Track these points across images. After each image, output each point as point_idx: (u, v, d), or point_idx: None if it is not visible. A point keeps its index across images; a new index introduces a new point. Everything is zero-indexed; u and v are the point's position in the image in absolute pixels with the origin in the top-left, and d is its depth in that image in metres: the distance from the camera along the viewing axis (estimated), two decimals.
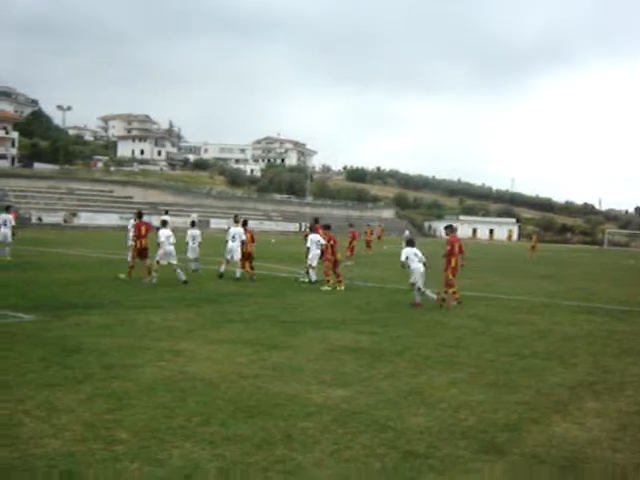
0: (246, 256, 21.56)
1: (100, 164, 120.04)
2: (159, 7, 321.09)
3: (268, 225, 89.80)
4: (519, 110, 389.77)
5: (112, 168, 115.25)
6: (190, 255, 22.96)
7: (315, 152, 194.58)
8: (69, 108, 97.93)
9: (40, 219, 67.19)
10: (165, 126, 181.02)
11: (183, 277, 19.13)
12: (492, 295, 20.29)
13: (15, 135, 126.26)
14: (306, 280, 21.33)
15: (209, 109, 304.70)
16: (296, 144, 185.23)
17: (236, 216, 23.83)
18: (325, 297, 17.63)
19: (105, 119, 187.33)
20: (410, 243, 17.60)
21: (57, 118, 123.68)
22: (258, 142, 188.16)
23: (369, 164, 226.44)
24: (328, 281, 20.03)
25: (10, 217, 25.89)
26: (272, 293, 17.56)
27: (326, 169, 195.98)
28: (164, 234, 19.42)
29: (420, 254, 17.10)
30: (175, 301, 15.33)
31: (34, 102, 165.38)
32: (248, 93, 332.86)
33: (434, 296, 16.89)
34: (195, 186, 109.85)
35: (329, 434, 6.24)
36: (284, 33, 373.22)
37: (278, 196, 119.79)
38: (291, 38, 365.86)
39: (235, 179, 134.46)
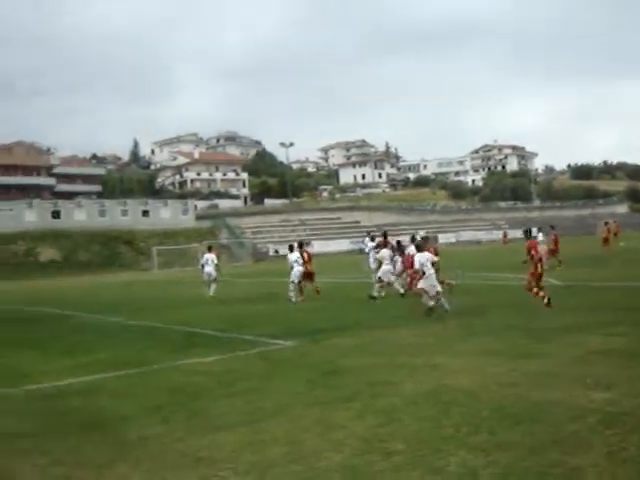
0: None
1: (325, 193, 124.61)
2: (361, 30, 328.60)
3: (496, 234, 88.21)
4: None
5: (337, 195, 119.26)
6: None
7: (536, 154, 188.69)
8: (291, 144, 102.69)
9: (277, 251, 70.98)
10: (382, 148, 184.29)
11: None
12: None
13: (245, 176, 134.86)
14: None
15: (422, 125, 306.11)
16: (515, 148, 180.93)
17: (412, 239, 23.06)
18: (565, 301, 17.12)
19: (324, 149, 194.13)
20: (419, 248, 16.91)
21: (280, 155, 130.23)
22: (476, 152, 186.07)
23: (594, 159, 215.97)
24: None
25: (213, 256, 26.99)
26: (512, 303, 17.35)
27: (549, 170, 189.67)
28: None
29: (434, 258, 16.41)
30: (419, 318, 15.65)
31: (257, 143, 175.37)
32: (457, 104, 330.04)
33: (446, 306, 15.78)
34: (418, 204, 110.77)
35: (598, 436, 6.18)
36: (485, 37, 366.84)
37: (503, 204, 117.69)
38: (493, 41, 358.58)
39: (457, 192, 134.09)
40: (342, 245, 75.33)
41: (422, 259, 16.11)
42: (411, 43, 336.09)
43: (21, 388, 10.06)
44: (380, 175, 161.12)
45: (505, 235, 74.90)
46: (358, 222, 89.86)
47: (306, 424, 7.17)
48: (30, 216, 77.45)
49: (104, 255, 71.05)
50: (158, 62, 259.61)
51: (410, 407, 7.60)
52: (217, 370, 10.50)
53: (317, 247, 74.57)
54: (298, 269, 21.85)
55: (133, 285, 39.95)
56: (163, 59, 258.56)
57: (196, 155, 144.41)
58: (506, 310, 16.03)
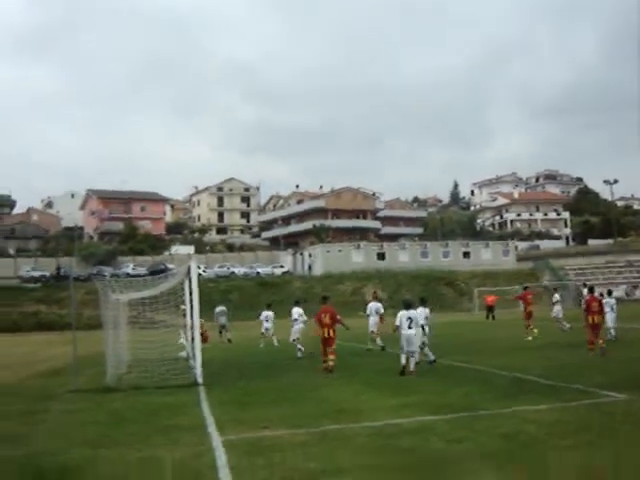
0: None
1: None
2: None
3: None
4: None
5: None
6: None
7: None
8: (616, 181, 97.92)
9: (602, 294, 67.69)
10: None
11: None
12: None
13: (566, 215, 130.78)
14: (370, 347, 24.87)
15: None
16: None
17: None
18: None
19: None
20: (407, 305, 17.80)
21: (604, 192, 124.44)
22: None
23: None
24: None
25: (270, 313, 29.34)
26: None
27: None
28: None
29: (416, 317, 17.45)
30: None
31: (579, 180, 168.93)
32: None
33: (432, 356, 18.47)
34: None
35: None
36: None
37: None
38: None
39: None
40: None
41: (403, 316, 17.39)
42: None
43: (361, 424, 10.77)
44: None
45: None
46: None
47: None
48: (357, 257, 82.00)
49: (426, 295, 72.78)
50: (477, 103, 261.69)
51: None
52: (548, 420, 10.34)
53: None
54: None
55: (455, 326, 40.59)
56: (481, 100, 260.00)
57: (516, 195, 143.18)
58: None
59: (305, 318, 24.41)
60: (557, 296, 31.51)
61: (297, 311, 24.50)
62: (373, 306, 25.93)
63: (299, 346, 23.63)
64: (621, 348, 21.44)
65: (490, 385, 14.53)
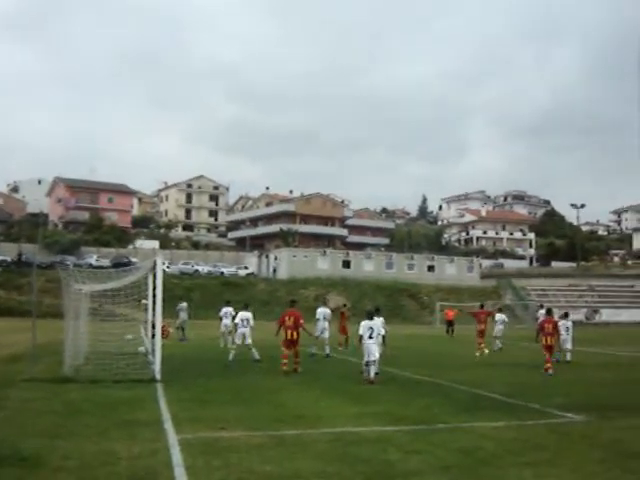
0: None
1: (616, 259, 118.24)
2: None
3: None
4: None
5: (629, 262, 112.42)
6: None
7: None
8: (582, 206, 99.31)
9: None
10: None
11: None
12: None
13: (531, 236, 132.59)
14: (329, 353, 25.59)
15: None
16: None
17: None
18: None
19: (617, 212, 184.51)
20: (369, 316, 17.84)
21: (570, 216, 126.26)
22: None
23: None
24: None
25: (231, 309, 28.31)
26: None
27: None
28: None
29: (377, 328, 17.69)
30: None
31: (546, 202, 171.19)
32: None
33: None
34: None
35: None
36: None
37: None
38: None
39: None
40: (634, 315, 70.82)
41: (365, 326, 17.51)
42: None
43: (320, 431, 10.75)
44: None
45: None
46: None
47: None
48: (322, 264, 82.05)
49: (388, 306, 72.99)
50: (455, 119, 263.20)
51: None
52: (505, 437, 10.41)
53: (606, 316, 70.97)
54: None
55: (416, 339, 40.75)
56: (460, 116, 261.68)
57: (483, 213, 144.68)
58: None
59: (245, 322, 23.22)
60: (500, 316, 31.42)
61: (242, 315, 22.91)
62: (322, 312, 26.26)
63: (232, 352, 23.21)
64: (578, 371, 21.72)
65: (450, 399, 14.59)
